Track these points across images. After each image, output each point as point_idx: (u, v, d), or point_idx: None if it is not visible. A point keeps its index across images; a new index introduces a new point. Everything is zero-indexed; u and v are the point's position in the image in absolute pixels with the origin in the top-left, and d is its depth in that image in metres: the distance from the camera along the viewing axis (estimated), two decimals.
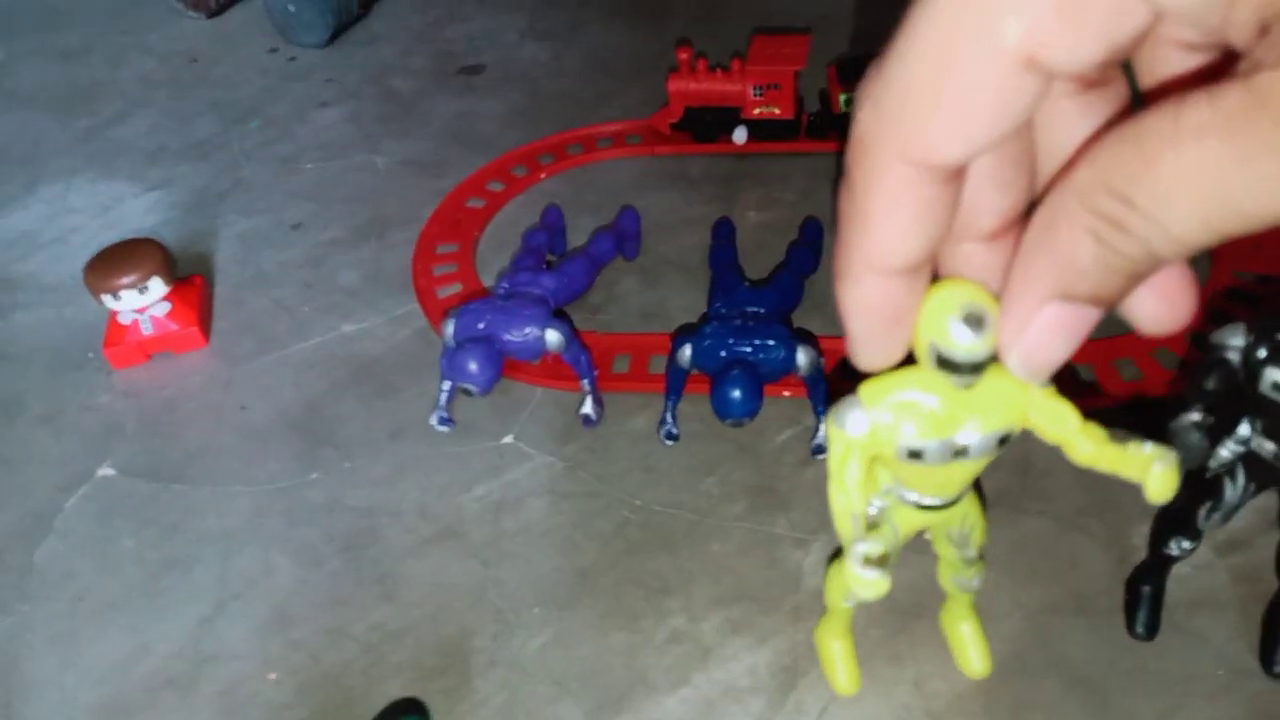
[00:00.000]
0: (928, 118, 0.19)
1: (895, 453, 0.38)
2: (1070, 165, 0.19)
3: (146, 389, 0.72)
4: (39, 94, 1.13)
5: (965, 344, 0.35)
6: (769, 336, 0.60)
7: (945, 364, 0.36)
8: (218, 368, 0.73)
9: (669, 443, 0.63)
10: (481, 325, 0.62)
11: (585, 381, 0.63)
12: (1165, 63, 0.19)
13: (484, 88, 1.03)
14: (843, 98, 0.82)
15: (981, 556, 0.47)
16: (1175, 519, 0.47)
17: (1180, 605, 0.51)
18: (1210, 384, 0.39)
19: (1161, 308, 0.22)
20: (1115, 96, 0.20)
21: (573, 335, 0.62)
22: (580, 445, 0.64)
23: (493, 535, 0.59)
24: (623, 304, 0.74)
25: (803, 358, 0.60)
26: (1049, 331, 0.21)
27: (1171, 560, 0.48)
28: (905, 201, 0.20)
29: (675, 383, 0.63)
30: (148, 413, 0.70)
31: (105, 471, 0.66)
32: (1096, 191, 0.18)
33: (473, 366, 0.60)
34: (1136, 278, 0.19)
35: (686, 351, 0.61)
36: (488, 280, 0.76)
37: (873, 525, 0.41)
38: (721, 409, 0.59)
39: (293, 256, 0.83)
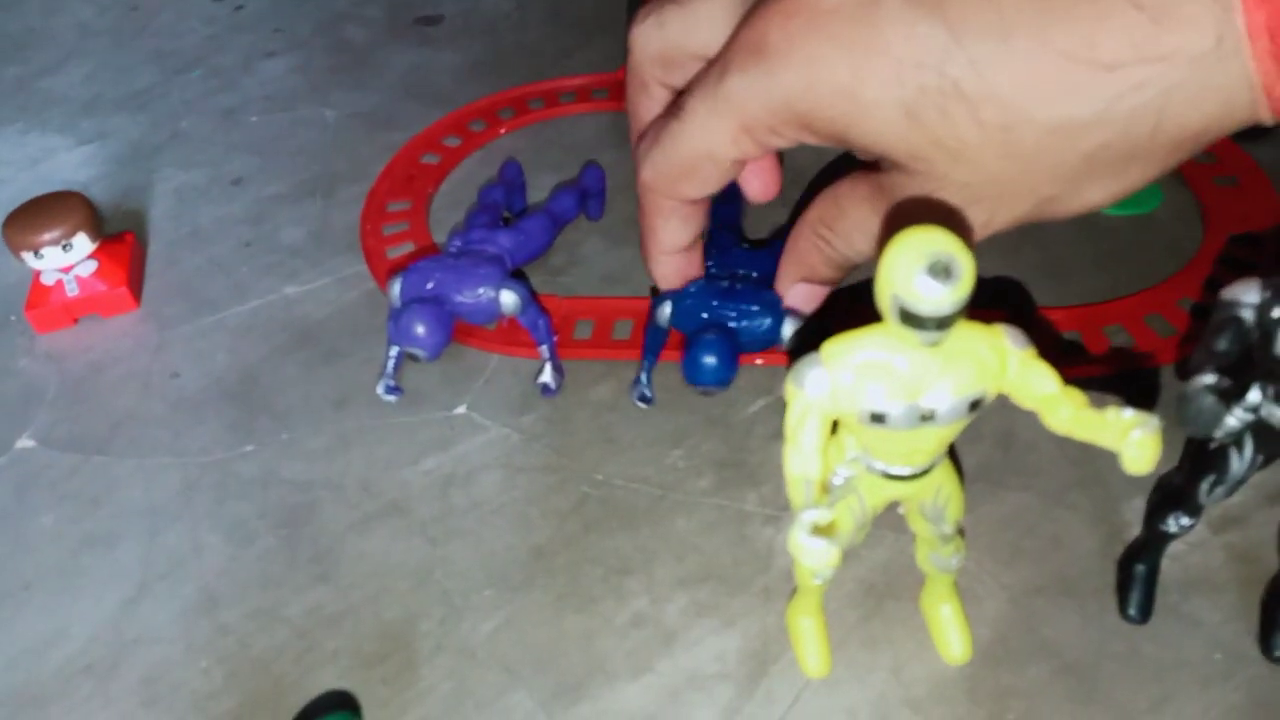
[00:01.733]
0: (685, 180, 0.40)
1: (858, 416, 0.34)
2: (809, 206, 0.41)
3: (70, 353, 0.67)
4: None
5: (932, 297, 0.31)
6: (756, 302, 0.55)
7: (910, 319, 0.32)
8: (148, 331, 0.68)
9: (641, 405, 0.59)
10: (430, 285, 0.57)
11: (544, 348, 0.59)
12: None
13: (442, 39, 0.97)
14: None
15: (960, 533, 0.44)
16: (1174, 493, 0.44)
17: (1174, 586, 0.48)
18: (1223, 345, 0.35)
19: (758, 185, 0.44)
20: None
21: (530, 298, 0.58)
22: (538, 416, 0.60)
23: (441, 511, 0.55)
24: (585, 266, 0.70)
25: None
26: (798, 298, 0.46)
27: (1168, 538, 0.45)
28: (672, 217, 0.44)
29: (653, 343, 0.59)
30: (71, 379, 0.65)
31: (24, 443, 0.61)
32: (816, 224, 0.39)
33: (420, 329, 0.55)
34: (842, 268, 0.42)
35: (666, 309, 0.56)
36: (441, 240, 0.72)
37: (834, 494, 0.37)
38: (691, 374, 0.54)
39: (232, 212, 0.78)
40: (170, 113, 0.90)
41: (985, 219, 0.35)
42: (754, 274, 0.58)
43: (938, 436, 0.35)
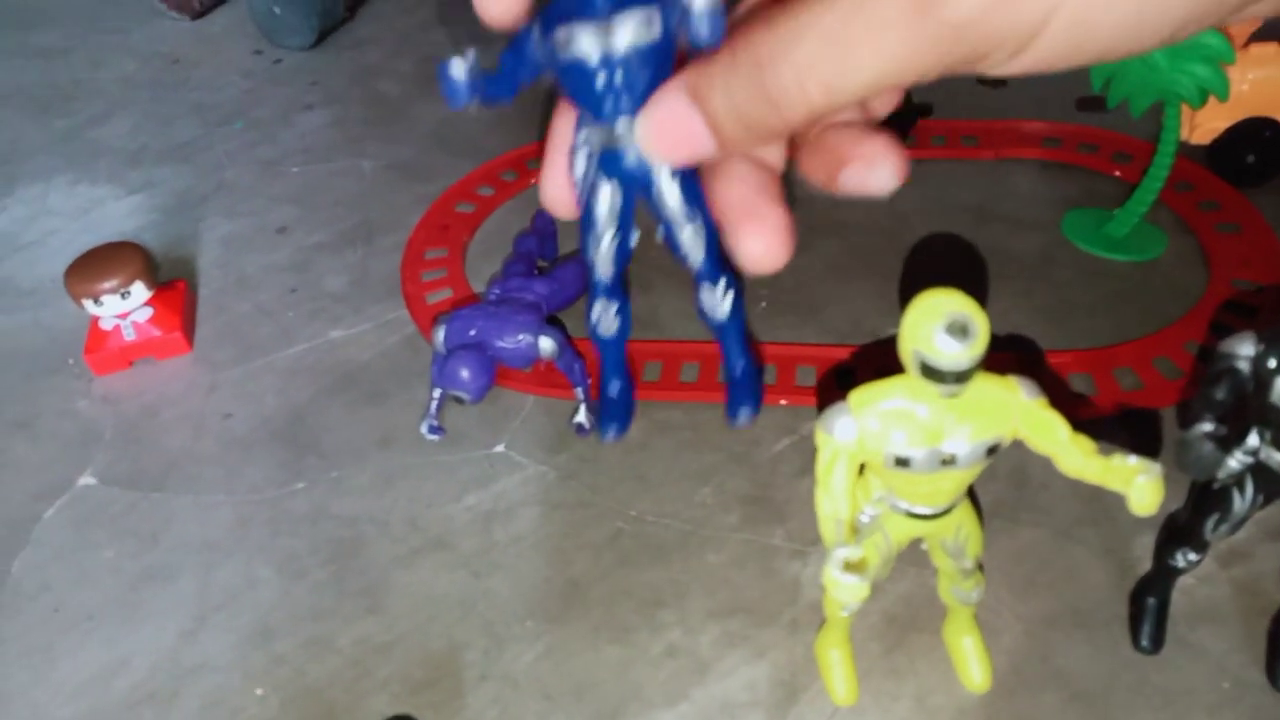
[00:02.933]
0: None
1: (883, 460, 0.37)
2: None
3: (126, 395, 0.71)
4: (16, 94, 1.11)
5: (950, 353, 0.34)
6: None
7: (930, 373, 0.35)
8: (200, 374, 0.72)
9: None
10: (473, 332, 0.61)
11: (578, 390, 0.62)
12: None
13: None
14: None
15: (980, 568, 0.46)
16: (1182, 530, 0.46)
17: (1182, 617, 0.51)
18: (1220, 394, 0.38)
19: (759, 247, 0.25)
20: None
21: (566, 342, 0.61)
22: (572, 454, 0.63)
23: (483, 546, 0.58)
24: None
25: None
26: (671, 119, 0.23)
27: (1177, 572, 0.48)
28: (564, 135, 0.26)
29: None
30: (127, 420, 0.69)
31: (85, 480, 0.65)
32: (748, 24, 0.21)
33: (465, 374, 0.58)
34: (744, 121, 0.21)
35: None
36: (478, 286, 0.75)
37: (862, 532, 0.40)
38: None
39: (277, 261, 0.81)
40: (214, 164, 0.95)
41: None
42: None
43: (957, 479, 0.38)
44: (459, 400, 0.60)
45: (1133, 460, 0.35)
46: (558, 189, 0.27)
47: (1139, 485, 0.35)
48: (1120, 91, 0.66)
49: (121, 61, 1.15)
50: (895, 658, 0.51)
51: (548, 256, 0.75)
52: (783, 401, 0.64)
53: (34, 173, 0.96)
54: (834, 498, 0.37)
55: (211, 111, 1.03)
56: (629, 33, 0.33)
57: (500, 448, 0.63)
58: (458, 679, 0.51)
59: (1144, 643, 0.49)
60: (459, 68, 0.34)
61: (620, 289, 0.44)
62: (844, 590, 0.35)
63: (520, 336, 0.61)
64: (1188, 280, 0.71)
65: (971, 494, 0.43)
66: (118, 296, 0.70)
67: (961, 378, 0.34)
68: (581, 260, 0.78)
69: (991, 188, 0.81)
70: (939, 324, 0.34)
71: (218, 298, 0.78)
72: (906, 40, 0.18)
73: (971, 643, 0.49)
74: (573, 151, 0.39)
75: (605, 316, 0.44)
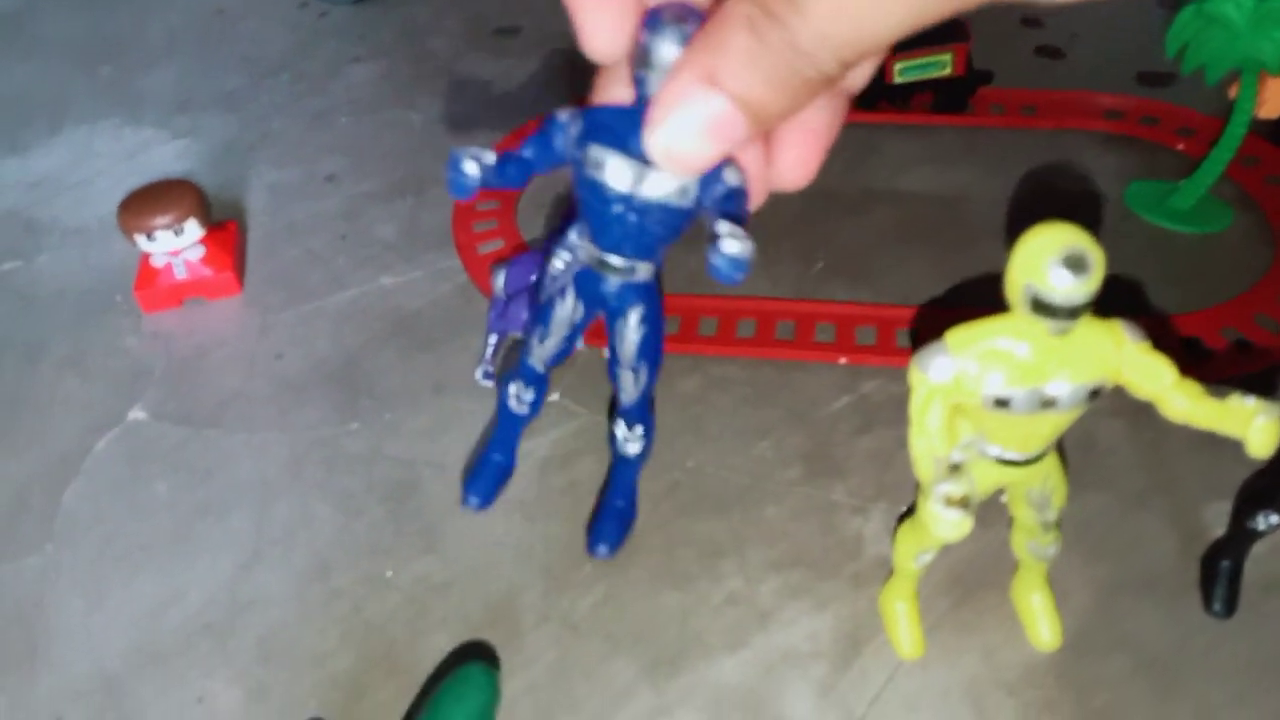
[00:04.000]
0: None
1: (981, 401, 0.37)
2: None
3: (176, 334, 0.70)
4: (62, 42, 1.10)
5: (1064, 287, 0.33)
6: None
7: (1041, 308, 0.34)
8: (251, 315, 0.71)
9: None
10: (534, 277, 0.60)
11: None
12: None
13: (520, 50, 1.01)
14: (897, 66, 0.80)
15: (1059, 525, 0.45)
16: (1264, 492, 0.45)
17: (1254, 586, 0.50)
18: None
19: (793, 155, 0.23)
20: None
21: None
22: None
23: (539, 492, 0.57)
24: (670, 266, 0.72)
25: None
26: (691, 124, 0.20)
27: (1256, 535, 0.47)
28: None
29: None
30: (178, 358, 0.68)
31: (136, 415, 0.64)
32: None
33: (527, 316, 0.58)
34: (780, 84, 0.19)
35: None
36: (530, 238, 0.74)
37: (955, 469, 0.39)
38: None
39: (326, 208, 0.81)
40: (260, 113, 0.94)
41: None
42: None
43: (1055, 423, 0.37)
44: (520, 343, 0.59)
45: (1250, 401, 0.34)
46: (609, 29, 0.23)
47: (1259, 426, 0.34)
48: (1196, 59, 0.65)
49: (166, 13, 1.15)
50: (962, 614, 0.50)
51: None
52: (842, 360, 0.63)
53: (79, 117, 0.96)
54: (930, 436, 0.37)
55: (258, 63, 1.02)
56: (660, 188, 0.33)
57: (555, 396, 0.63)
58: (516, 620, 0.51)
59: (1217, 606, 0.49)
60: (472, 166, 0.33)
61: (544, 380, 0.43)
62: (947, 526, 0.34)
63: None
64: (1254, 254, 0.69)
65: (1058, 446, 0.42)
66: (171, 233, 0.69)
67: (1074, 313, 0.33)
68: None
69: (1052, 158, 0.80)
70: (1054, 257, 0.33)
71: (267, 242, 0.78)
72: None
73: (1041, 600, 0.48)
74: (552, 241, 0.38)
75: (520, 397, 0.44)
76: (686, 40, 0.27)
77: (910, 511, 0.48)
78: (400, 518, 0.56)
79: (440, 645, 0.50)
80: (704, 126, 0.20)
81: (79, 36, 1.11)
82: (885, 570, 0.52)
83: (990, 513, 0.50)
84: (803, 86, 0.19)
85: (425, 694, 0.47)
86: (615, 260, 0.39)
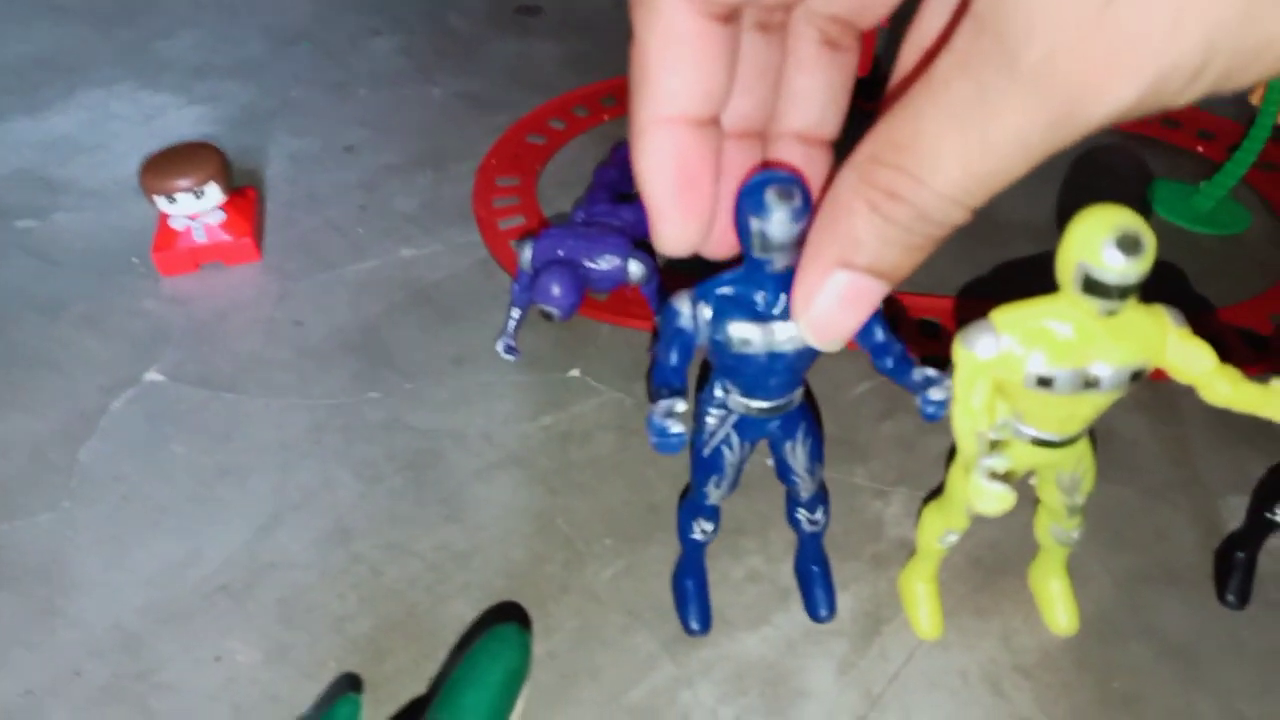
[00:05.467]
0: None
1: (1023, 379, 0.37)
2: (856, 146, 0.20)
3: (195, 297, 0.70)
4: (81, 4, 1.09)
5: (1118, 266, 0.33)
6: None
7: (1093, 287, 0.34)
8: (270, 282, 0.71)
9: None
10: (561, 251, 0.60)
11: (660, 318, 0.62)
12: (928, 32, 0.20)
13: (541, 29, 1.01)
14: None
15: (1084, 510, 0.46)
16: None
17: (1270, 579, 0.50)
18: None
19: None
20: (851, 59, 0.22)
21: (655, 268, 0.61)
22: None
23: (560, 465, 0.57)
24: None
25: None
26: (834, 301, 0.21)
27: (1272, 528, 0.47)
28: (685, 41, 0.20)
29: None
30: (197, 321, 0.68)
31: (153, 376, 0.64)
32: (871, 164, 0.19)
33: (556, 290, 0.58)
34: (912, 248, 0.20)
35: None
36: (550, 214, 0.74)
37: (995, 445, 0.39)
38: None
39: (346, 179, 0.81)
40: (280, 82, 0.94)
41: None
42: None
43: (1094, 405, 0.38)
44: (547, 316, 0.59)
45: None
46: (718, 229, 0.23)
47: None
48: None
49: None
50: (980, 598, 0.50)
51: (627, 189, 0.74)
52: None
53: (96, 80, 0.95)
54: (973, 414, 0.37)
55: (278, 32, 1.02)
56: (796, 331, 0.36)
57: (575, 372, 0.63)
58: (538, 589, 0.51)
59: (1230, 596, 0.49)
60: (674, 423, 0.35)
61: (720, 509, 0.46)
62: (990, 499, 0.35)
63: (610, 258, 0.60)
64: (1272, 256, 0.70)
65: (1090, 432, 0.42)
66: (192, 195, 0.69)
67: (1125, 293, 0.34)
68: None
69: (1074, 157, 0.80)
70: (1109, 236, 0.33)
71: (286, 210, 0.77)
72: (1023, 109, 0.16)
73: (1059, 587, 0.49)
74: (704, 405, 0.41)
75: (703, 530, 0.47)
76: (800, 217, 0.29)
77: (936, 492, 0.48)
78: (421, 486, 0.56)
79: (461, 612, 0.50)
80: (847, 303, 0.21)
81: (96, 1, 1.10)
82: (905, 552, 0.52)
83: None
84: (933, 240, 0.20)
85: (451, 654, 0.47)
86: (774, 404, 0.41)
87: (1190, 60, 0.15)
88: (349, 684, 0.47)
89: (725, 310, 0.36)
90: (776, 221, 0.32)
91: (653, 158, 0.21)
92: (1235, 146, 0.70)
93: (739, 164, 0.23)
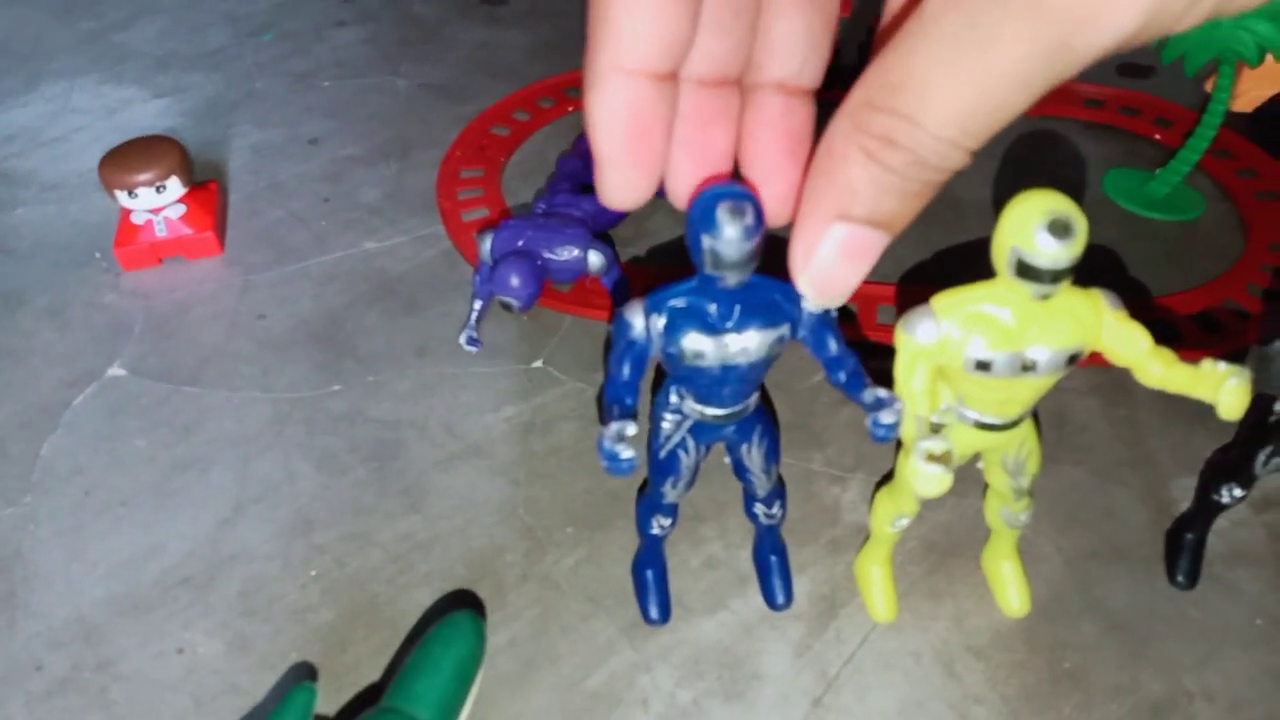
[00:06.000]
0: None
1: (963, 364, 0.37)
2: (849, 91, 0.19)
3: (156, 291, 0.70)
4: None
5: (1050, 250, 0.34)
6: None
7: (1026, 271, 0.35)
8: (232, 275, 0.71)
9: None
10: (521, 242, 0.60)
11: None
12: None
13: (508, 19, 1.00)
14: None
15: (1031, 493, 0.46)
16: (1230, 465, 0.47)
17: (1218, 558, 0.52)
18: None
19: (775, 205, 0.23)
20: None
21: (614, 259, 0.61)
22: None
23: (522, 455, 0.58)
24: (652, 239, 0.73)
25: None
26: (834, 255, 0.21)
27: (1220, 508, 0.48)
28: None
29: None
30: (158, 315, 0.68)
31: (115, 371, 0.64)
32: (864, 109, 0.18)
33: (515, 280, 0.58)
34: (910, 195, 0.19)
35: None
36: (513, 205, 0.74)
37: (935, 429, 0.40)
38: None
39: (310, 170, 0.80)
40: (244, 73, 0.93)
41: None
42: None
43: (1034, 387, 0.38)
44: (506, 307, 0.60)
45: (1221, 366, 0.36)
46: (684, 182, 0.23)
47: (1230, 389, 0.35)
48: (1177, 48, 0.66)
49: None
50: (934, 581, 0.51)
51: (590, 179, 0.74)
52: None
53: (58, 71, 0.94)
54: (913, 397, 0.38)
55: (242, 22, 1.01)
56: (757, 349, 0.36)
57: (538, 363, 0.63)
58: (499, 578, 0.51)
59: (1180, 578, 0.50)
60: (624, 448, 0.35)
61: (677, 508, 0.47)
62: (928, 481, 0.35)
63: (569, 249, 0.60)
64: (1225, 242, 0.71)
65: (1034, 414, 0.43)
66: (153, 190, 0.68)
67: (1057, 278, 0.34)
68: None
69: (1032, 143, 0.81)
70: (1040, 221, 0.34)
71: (249, 203, 0.77)
72: (1018, 40, 0.16)
73: (1011, 568, 0.50)
74: (659, 409, 0.42)
75: (661, 525, 0.48)
76: (752, 235, 0.29)
77: (888, 478, 0.49)
78: (383, 477, 0.56)
79: (423, 601, 0.50)
80: (848, 256, 0.20)
81: None
82: (861, 537, 0.53)
83: (963, 484, 0.51)
84: (932, 186, 0.19)
85: (411, 643, 0.48)
86: (728, 411, 0.41)
87: None
88: (305, 673, 0.47)
89: (678, 322, 0.36)
90: (727, 240, 0.32)
91: (606, 106, 0.20)
92: (1190, 134, 0.71)
93: (716, 113, 0.22)
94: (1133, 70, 0.89)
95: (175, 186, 0.69)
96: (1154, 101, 0.84)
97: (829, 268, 0.21)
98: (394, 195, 0.77)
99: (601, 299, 0.65)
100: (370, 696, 0.46)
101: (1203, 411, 0.36)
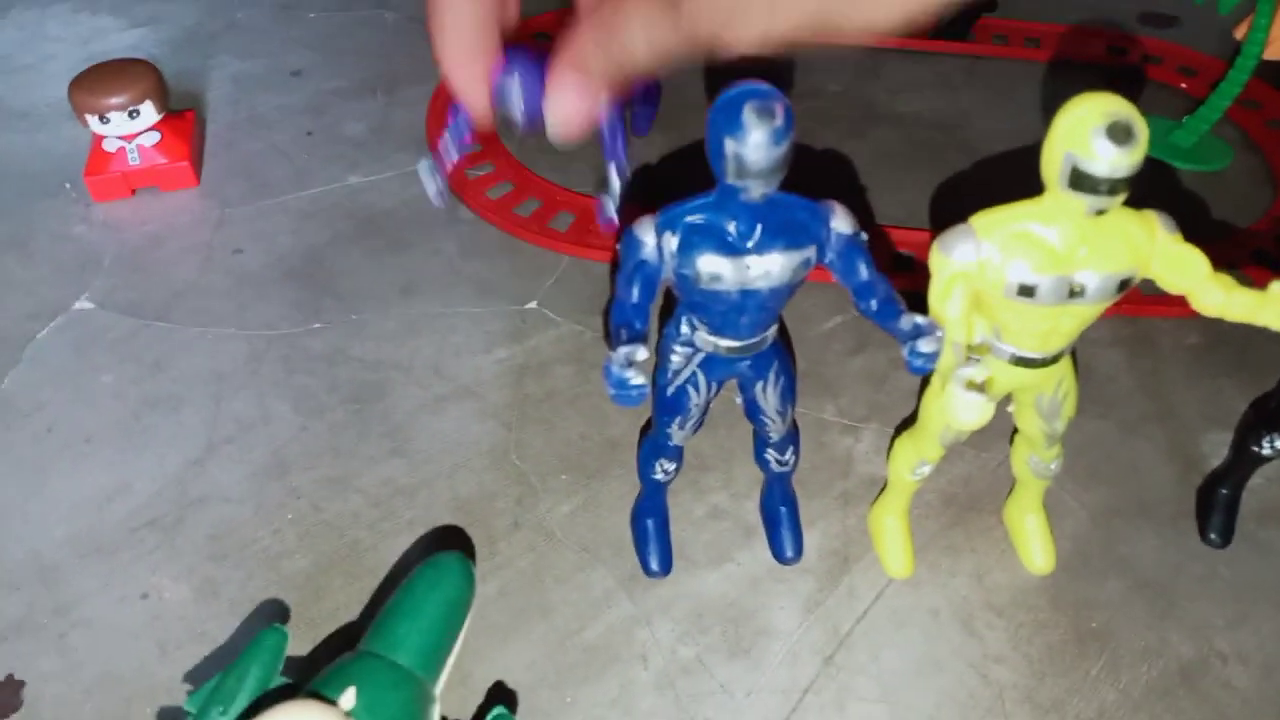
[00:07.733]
0: None
1: (1004, 289, 0.34)
2: None
3: (128, 223, 0.66)
4: None
5: (1108, 157, 0.31)
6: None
7: (1081, 181, 0.31)
8: (208, 208, 0.67)
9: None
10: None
11: (612, 166, 0.55)
12: None
13: None
14: None
15: (1062, 440, 0.43)
16: (1271, 413, 0.44)
17: (1250, 516, 0.49)
18: None
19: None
20: None
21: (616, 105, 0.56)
22: None
23: (514, 398, 0.54)
24: (673, 180, 0.69)
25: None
26: (568, 91, 0.24)
27: (1258, 462, 0.45)
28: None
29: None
30: (129, 247, 0.64)
31: (82, 305, 0.60)
32: (598, 22, 0.23)
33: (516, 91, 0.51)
34: (618, 71, 0.24)
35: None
36: (509, 143, 0.70)
37: (977, 353, 0.36)
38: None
39: (292, 102, 0.76)
40: (225, 3, 0.88)
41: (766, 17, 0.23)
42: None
43: (1080, 316, 0.35)
44: (511, 124, 0.53)
45: None
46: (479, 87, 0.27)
47: None
48: None
49: None
50: (953, 535, 0.48)
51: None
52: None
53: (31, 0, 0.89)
54: (950, 323, 0.34)
55: None
56: (780, 274, 0.33)
57: (533, 304, 0.60)
58: (489, 525, 0.48)
59: (1213, 535, 0.47)
60: (633, 373, 0.32)
61: (683, 451, 0.43)
62: (969, 408, 0.32)
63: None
64: (1253, 193, 0.68)
65: (1073, 354, 0.40)
66: (125, 115, 0.64)
67: (1115, 189, 0.31)
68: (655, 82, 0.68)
69: (1055, 89, 0.78)
70: (1099, 124, 0.30)
71: (227, 134, 0.73)
72: None
73: (1036, 522, 0.47)
74: (668, 341, 0.38)
75: (664, 470, 0.44)
76: (781, 138, 0.30)
77: (909, 422, 0.45)
78: (365, 419, 0.53)
79: (407, 548, 0.47)
80: (579, 93, 0.24)
81: None
82: (874, 489, 0.50)
83: (985, 437, 0.48)
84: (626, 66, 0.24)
85: (393, 585, 0.44)
86: (744, 343, 0.37)
87: None
88: (277, 615, 0.44)
89: (693, 241, 0.33)
90: (754, 144, 0.29)
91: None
92: (1217, 82, 0.68)
93: None
94: (1155, 20, 0.86)
95: (150, 112, 0.65)
96: (1177, 50, 0.80)
97: (566, 102, 0.24)
98: (380, 130, 0.73)
99: (600, 239, 0.62)
100: (347, 640, 0.42)
101: (1231, 364, 0.33)
